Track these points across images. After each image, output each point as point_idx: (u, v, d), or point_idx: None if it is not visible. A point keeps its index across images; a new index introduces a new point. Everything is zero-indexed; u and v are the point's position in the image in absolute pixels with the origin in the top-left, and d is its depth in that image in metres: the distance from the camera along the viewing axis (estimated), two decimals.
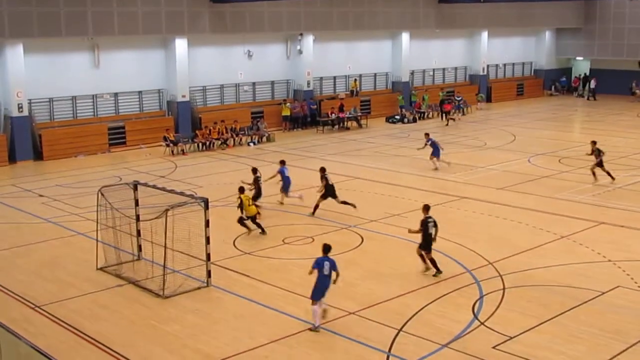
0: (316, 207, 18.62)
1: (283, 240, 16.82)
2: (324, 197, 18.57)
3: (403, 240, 16.75)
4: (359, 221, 18.50)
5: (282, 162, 20.02)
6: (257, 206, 17.61)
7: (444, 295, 13.42)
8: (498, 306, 12.93)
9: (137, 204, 15.28)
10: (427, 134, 25.75)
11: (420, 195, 21.47)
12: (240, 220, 16.94)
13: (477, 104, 44.71)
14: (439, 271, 14.19)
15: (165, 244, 13.54)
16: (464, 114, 41.19)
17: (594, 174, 21.87)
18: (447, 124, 37.15)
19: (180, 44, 32.45)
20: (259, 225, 16.99)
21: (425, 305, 12.96)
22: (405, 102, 42.03)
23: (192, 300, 13.43)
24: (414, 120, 39.03)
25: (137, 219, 15.31)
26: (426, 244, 14.29)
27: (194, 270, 14.66)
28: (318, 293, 11.91)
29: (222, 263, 15.34)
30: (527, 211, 19.42)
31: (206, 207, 13.66)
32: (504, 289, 13.72)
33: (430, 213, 14.45)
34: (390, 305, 13.05)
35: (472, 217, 18.94)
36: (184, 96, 32.92)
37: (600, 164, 21.89)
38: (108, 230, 15.17)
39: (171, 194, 14.57)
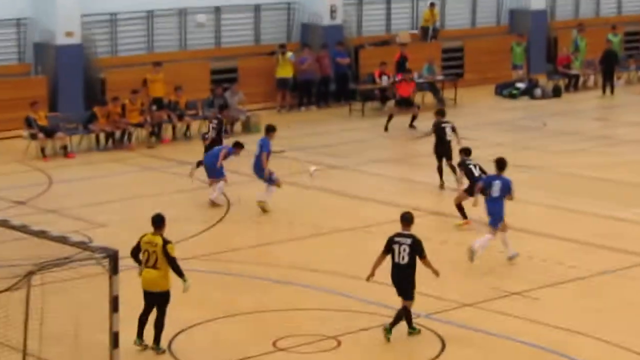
0: None
1: (274, 343, 16.88)
2: None
3: (524, 345, 16.76)
4: (438, 305, 18.52)
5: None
6: None
7: None
8: None
9: None
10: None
11: (567, 251, 21.55)
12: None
13: None
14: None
15: (25, 342, 13.58)
16: None
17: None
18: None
19: None
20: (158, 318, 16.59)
21: None
22: (535, 52, 41.99)
23: None
24: (556, 93, 39.01)
25: None
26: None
27: None
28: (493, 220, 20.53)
29: None
30: None
31: (114, 269, 13.69)
32: None
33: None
34: None
35: None
36: (70, 34, 33.21)
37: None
38: None
39: (41, 239, 14.60)
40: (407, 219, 17.17)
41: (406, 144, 28.44)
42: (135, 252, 16.52)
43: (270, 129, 24.66)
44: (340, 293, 19.09)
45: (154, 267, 16.20)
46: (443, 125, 25.98)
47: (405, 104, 34.04)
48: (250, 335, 17.33)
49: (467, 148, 23.83)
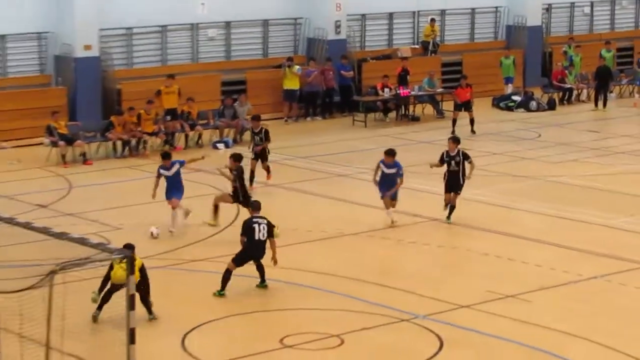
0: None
1: (281, 340, 17.04)
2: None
3: (518, 345, 16.93)
4: (436, 306, 18.72)
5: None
6: None
7: None
8: None
9: None
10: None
11: (560, 256, 21.72)
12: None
13: None
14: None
15: (48, 337, 13.74)
16: None
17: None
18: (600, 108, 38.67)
19: None
20: (146, 307, 17.56)
21: None
22: (531, 66, 42.15)
23: None
24: (550, 106, 39.16)
25: None
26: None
27: None
28: None
29: None
30: None
31: (130, 270, 13.85)
32: None
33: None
34: None
35: None
36: (88, 48, 33.45)
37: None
38: None
39: (62, 240, 14.77)
40: (257, 206, 19.60)
41: (406, 154, 28.49)
42: (105, 281, 17.39)
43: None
44: (344, 294, 19.26)
45: None
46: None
47: (465, 107, 34.35)
48: (258, 333, 17.57)
49: (239, 154, 23.86)
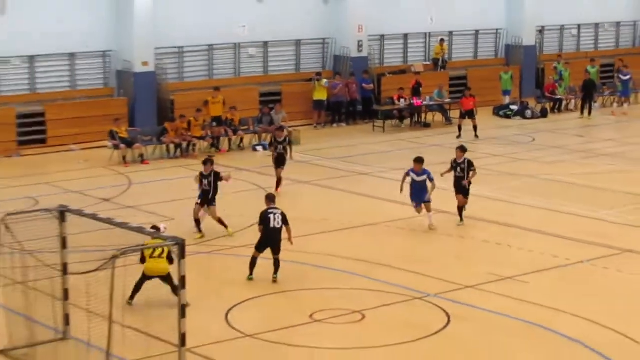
0: None
1: (311, 316, 17.10)
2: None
3: (515, 320, 16.98)
4: (445, 286, 18.73)
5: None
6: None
7: None
8: None
9: (64, 245, 15.58)
10: None
11: (552, 244, 21.69)
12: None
13: None
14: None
15: (111, 312, 13.81)
16: (630, 104, 41.05)
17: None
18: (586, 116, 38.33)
19: None
20: (174, 290, 16.61)
21: None
22: (526, 80, 42.10)
23: None
24: (543, 114, 39.06)
25: (64, 270, 15.62)
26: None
27: None
28: None
29: (205, 350, 15.57)
30: None
31: (181, 255, 13.90)
32: None
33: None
34: None
35: None
36: (145, 64, 33.58)
37: None
38: (15, 287, 15.43)
39: (123, 229, 14.84)
40: (272, 199, 19.27)
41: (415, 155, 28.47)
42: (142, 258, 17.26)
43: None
44: (365, 276, 19.32)
45: (161, 256, 16.89)
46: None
47: (469, 115, 34.16)
48: (291, 309, 17.62)
49: (211, 160, 22.45)
